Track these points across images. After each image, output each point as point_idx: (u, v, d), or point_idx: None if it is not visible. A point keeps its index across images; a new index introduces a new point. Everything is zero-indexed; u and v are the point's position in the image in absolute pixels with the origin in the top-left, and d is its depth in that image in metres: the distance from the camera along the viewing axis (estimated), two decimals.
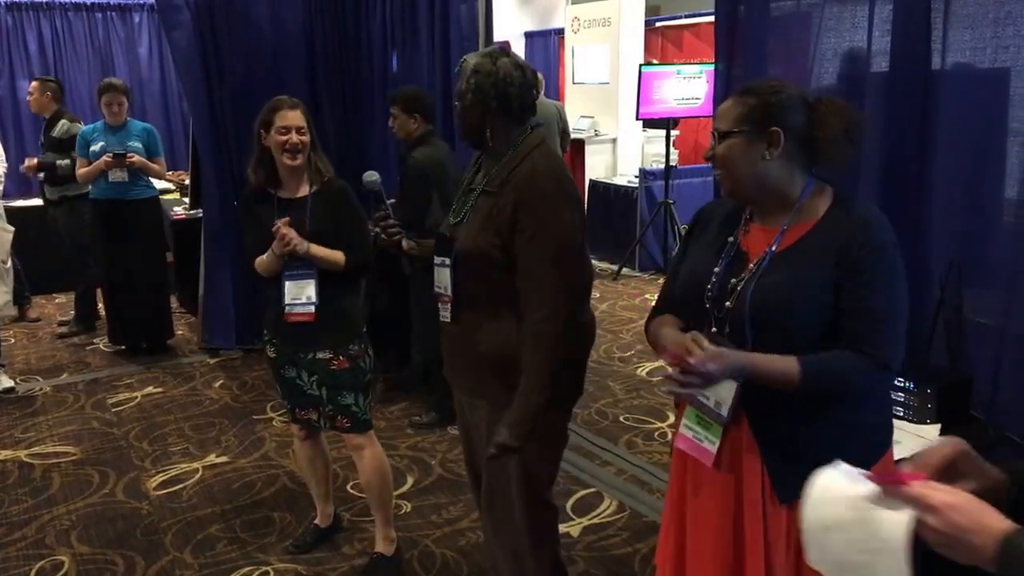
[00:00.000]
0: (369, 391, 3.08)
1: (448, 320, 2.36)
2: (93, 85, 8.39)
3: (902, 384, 2.40)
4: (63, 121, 5.96)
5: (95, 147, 5.34)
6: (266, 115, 2.88)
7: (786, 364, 1.71)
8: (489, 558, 2.66)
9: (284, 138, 2.83)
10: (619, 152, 9.19)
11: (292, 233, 2.78)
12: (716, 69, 3.09)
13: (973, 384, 2.40)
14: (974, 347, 2.46)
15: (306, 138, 2.88)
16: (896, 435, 1.89)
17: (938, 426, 2.32)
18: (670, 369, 1.78)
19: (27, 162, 5.95)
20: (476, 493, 2.64)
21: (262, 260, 2.89)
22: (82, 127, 5.74)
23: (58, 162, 5.71)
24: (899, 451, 1.89)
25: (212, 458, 4.17)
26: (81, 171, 5.40)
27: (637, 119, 7.68)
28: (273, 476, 3.96)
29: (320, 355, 2.94)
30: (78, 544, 3.43)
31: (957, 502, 1.05)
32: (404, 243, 2.57)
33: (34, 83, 6.12)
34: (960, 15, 2.35)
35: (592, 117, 9.28)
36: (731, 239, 1.88)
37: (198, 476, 3.99)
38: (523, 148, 2.26)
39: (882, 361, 1.71)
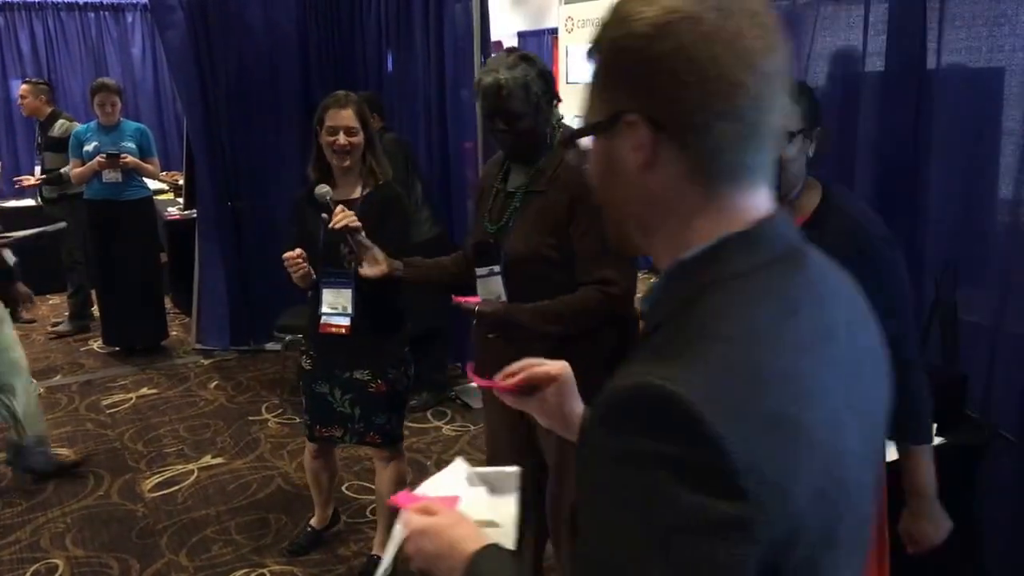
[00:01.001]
0: (404, 408, 3.03)
1: None
2: (86, 85, 8.33)
3: None
4: (61, 120, 5.96)
5: (88, 147, 5.32)
6: (320, 112, 2.78)
7: (923, 458, 1.82)
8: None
9: (332, 139, 2.73)
10: None
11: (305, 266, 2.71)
12: None
13: (968, 383, 2.41)
14: (969, 346, 2.47)
15: (356, 139, 2.75)
16: None
17: (934, 425, 2.31)
18: None
19: (28, 180, 6.01)
20: None
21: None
22: (78, 126, 5.73)
23: (62, 171, 5.66)
24: (891, 452, 1.88)
25: (207, 459, 4.15)
26: (75, 172, 5.38)
27: None
28: (268, 478, 3.95)
29: (358, 375, 2.87)
30: (73, 547, 3.42)
31: (429, 527, 1.02)
32: (386, 265, 2.47)
33: (25, 86, 6.10)
34: (955, 15, 2.36)
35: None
36: None
37: (193, 478, 3.97)
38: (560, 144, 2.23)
39: (917, 359, 1.79)
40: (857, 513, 0.81)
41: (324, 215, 2.57)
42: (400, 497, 1.11)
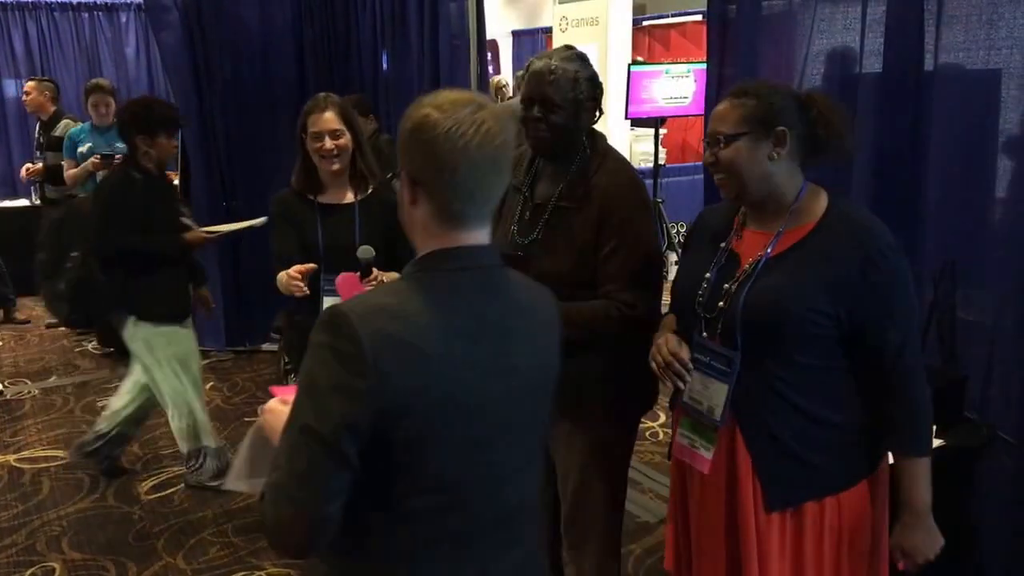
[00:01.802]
0: None
1: None
2: (80, 85, 8.32)
3: None
4: (65, 121, 5.92)
5: (83, 148, 5.31)
6: (302, 119, 2.70)
7: (920, 470, 1.77)
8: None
9: (318, 145, 2.65)
10: None
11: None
12: (707, 68, 3.09)
13: (967, 384, 2.41)
14: (967, 347, 2.47)
15: (342, 141, 2.67)
16: None
17: (932, 427, 2.31)
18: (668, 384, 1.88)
19: (29, 167, 5.95)
20: None
21: (282, 278, 2.63)
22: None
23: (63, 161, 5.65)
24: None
25: None
26: (69, 172, 5.36)
27: (626, 118, 7.67)
28: None
29: None
30: (69, 550, 3.41)
31: (276, 408, 1.40)
32: None
33: (31, 83, 6.12)
34: (952, 16, 2.35)
35: None
36: (723, 244, 1.87)
37: None
38: (595, 153, 2.20)
39: (919, 369, 1.77)
40: (484, 437, 1.26)
41: (358, 272, 2.51)
42: (276, 388, 1.46)
